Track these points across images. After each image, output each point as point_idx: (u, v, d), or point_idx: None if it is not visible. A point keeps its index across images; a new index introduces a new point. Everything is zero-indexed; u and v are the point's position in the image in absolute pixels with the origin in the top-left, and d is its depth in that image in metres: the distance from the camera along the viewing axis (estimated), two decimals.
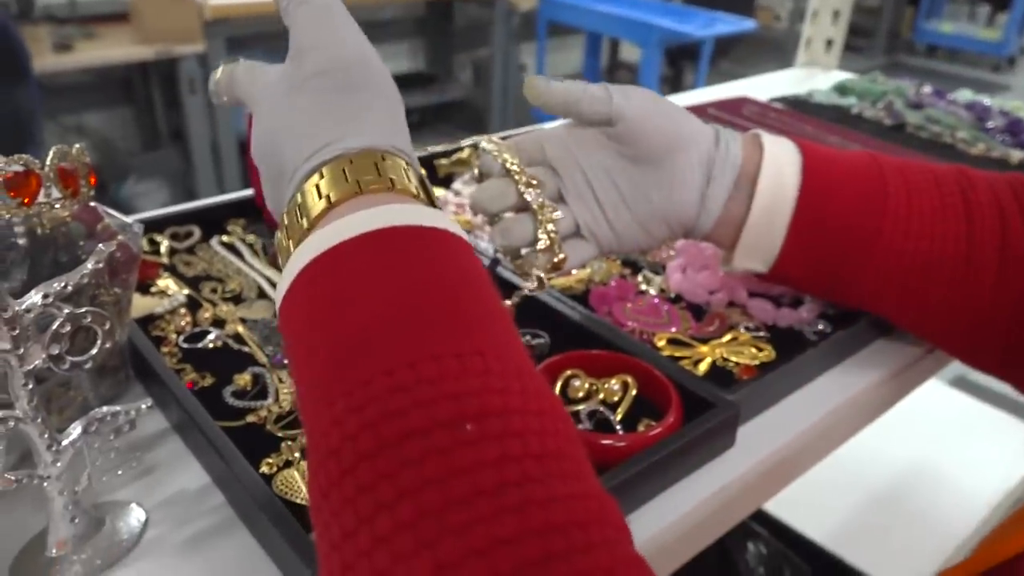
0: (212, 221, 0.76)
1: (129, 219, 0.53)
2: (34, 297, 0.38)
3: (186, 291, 0.66)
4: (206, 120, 2.69)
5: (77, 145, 0.48)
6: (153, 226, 0.73)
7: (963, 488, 1.32)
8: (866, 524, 1.27)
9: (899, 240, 0.54)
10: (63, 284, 0.39)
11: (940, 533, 1.21)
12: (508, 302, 0.53)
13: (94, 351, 0.41)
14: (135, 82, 2.98)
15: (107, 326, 0.41)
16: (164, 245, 0.72)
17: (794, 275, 0.58)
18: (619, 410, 0.53)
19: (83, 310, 0.40)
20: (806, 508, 1.16)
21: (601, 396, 0.54)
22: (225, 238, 0.74)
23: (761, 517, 1.04)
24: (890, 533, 1.26)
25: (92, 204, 0.50)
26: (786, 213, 0.55)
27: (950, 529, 1.21)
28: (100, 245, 0.40)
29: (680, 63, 4.58)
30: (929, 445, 1.44)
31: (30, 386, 0.39)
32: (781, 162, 0.55)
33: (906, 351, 0.63)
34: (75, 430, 0.43)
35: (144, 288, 0.66)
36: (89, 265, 0.40)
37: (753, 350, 0.60)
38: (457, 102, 3.79)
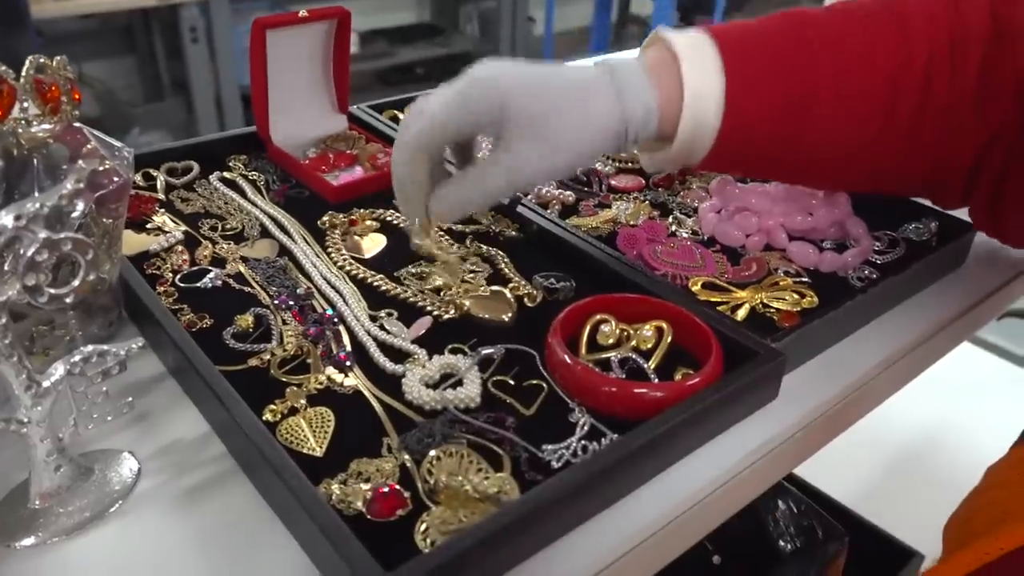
0: (212, 157, 0.71)
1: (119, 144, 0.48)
2: (4, 219, 0.33)
3: (183, 228, 0.61)
4: (209, 70, 2.62)
5: (58, 57, 0.44)
6: (150, 161, 0.69)
7: (982, 445, 1.29)
8: (886, 484, 1.24)
9: (829, 123, 0.50)
10: (38, 205, 0.34)
11: (958, 491, 1.18)
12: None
13: (76, 282, 0.37)
14: (136, 30, 2.90)
15: (90, 255, 0.36)
16: (160, 181, 0.67)
17: (719, 170, 0.66)
18: (653, 358, 0.48)
19: (63, 235, 0.35)
20: (825, 468, 1.12)
21: (633, 343, 0.49)
22: (226, 174, 0.70)
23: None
24: (909, 493, 1.23)
25: (77, 125, 0.45)
26: (707, 143, 0.49)
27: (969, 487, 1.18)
28: (80, 162, 0.36)
29: (693, 17, 4.46)
30: (947, 403, 1.41)
31: (3, 320, 0.35)
32: (702, 97, 0.48)
33: (958, 298, 0.59)
34: (57, 370, 0.38)
35: (139, 225, 0.61)
36: (68, 185, 0.35)
37: (795, 296, 0.55)
38: (463, 54, 3.70)
